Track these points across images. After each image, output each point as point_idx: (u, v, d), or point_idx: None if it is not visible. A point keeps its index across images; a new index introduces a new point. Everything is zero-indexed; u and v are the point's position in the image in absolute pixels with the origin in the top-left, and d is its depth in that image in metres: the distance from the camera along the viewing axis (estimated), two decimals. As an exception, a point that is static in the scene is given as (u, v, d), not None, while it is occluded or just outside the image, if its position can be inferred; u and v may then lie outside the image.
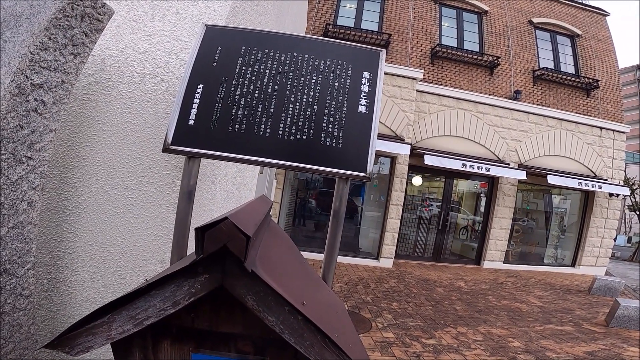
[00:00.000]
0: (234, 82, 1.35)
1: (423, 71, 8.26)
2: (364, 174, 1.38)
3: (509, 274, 8.25)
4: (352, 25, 8.83)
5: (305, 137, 1.35)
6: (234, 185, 2.20)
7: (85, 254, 1.44)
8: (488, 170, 8.12)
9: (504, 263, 9.01)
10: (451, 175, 8.87)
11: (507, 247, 9.05)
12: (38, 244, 1.37)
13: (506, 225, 8.94)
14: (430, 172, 9.08)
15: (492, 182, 9.10)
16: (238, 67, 1.37)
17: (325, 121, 1.38)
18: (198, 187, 1.48)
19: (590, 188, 8.87)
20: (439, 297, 5.57)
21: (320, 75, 1.42)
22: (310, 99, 1.39)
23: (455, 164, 7.95)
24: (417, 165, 8.10)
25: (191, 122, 1.29)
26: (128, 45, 1.55)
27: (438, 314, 4.71)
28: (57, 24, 1.10)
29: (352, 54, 1.48)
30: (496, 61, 9.08)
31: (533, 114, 9.17)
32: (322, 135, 1.36)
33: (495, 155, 8.87)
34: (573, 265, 9.73)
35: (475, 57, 9.07)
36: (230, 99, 1.33)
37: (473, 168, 8.07)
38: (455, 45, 9.25)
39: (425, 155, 7.78)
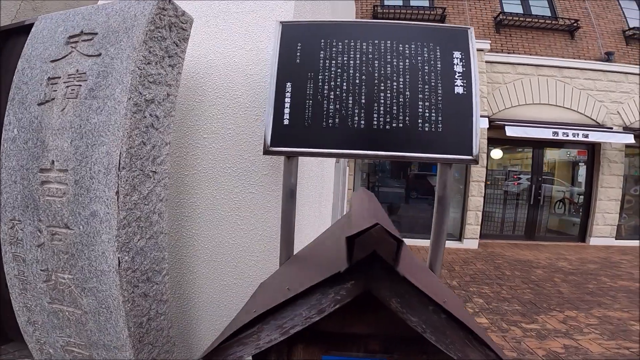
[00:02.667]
0: (320, 77, 1.35)
1: (489, 41, 7.56)
2: (470, 157, 1.30)
3: (623, 251, 7.19)
4: (401, 4, 8.37)
5: (401, 125, 1.30)
6: (317, 178, 2.23)
7: (204, 257, 1.58)
8: (586, 136, 7.13)
9: (616, 239, 7.89)
10: (539, 145, 7.99)
11: (619, 220, 7.89)
12: (168, 251, 1.52)
13: (615, 195, 7.79)
14: (511, 144, 8.29)
15: (593, 149, 7.99)
16: (322, 61, 1.36)
17: (420, 106, 1.31)
18: (277, 181, 1.52)
19: None
20: (538, 279, 5.08)
21: (407, 60, 1.35)
22: (401, 86, 1.33)
23: (543, 133, 7.14)
24: (496, 138, 7.48)
25: (286, 122, 1.32)
26: (209, 52, 1.63)
27: (539, 297, 4.30)
28: (152, 36, 1.14)
29: (436, 35, 1.39)
30: (575, 24, 8.13)
31: (632, 74, 7.96)
32: (420, 121, 1.30)
33: (592, 120, 7.78)
34: None
35: (548, 22, 8.18)
36: (320, 94, 1.33)
37: (567, 135, 7.16)
38: (522, 12, 8.36)
39: (506, 127, 7.12)
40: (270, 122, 1.31)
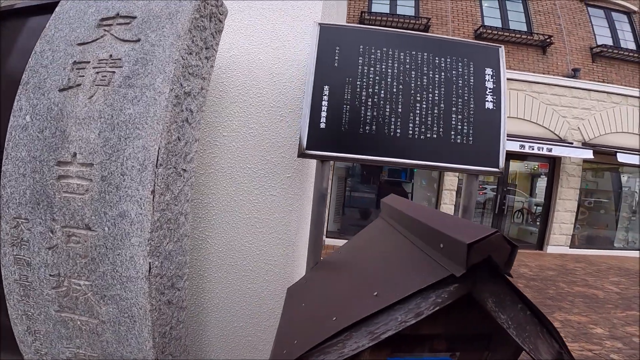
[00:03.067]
0: (358, 83, 1.33)
1: (468, 53, 7.88)
2: (497, 169, 1.33)
3: (577, 259, 7.78)
4: (388, 12, 8.57)
5: (435, 136, 1.31)
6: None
7: (216, 260, 1.51)
8: (550, 150, 7.64)
9: (570, 248, 8.51)
10: (506, 157, 8.43)
11: (573, 230, 8.52)
12: (189, 254, 1.43)
13: (571, 207, 8.42)
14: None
15: (554, 163, 8.57)
16: (360, 67, 1.35)
17: (454, 119, 1.33)
18: (301, 185, 1.49)
19: (665, 165, 8.09)
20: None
21: (442, 73, 1.37)
22: (437, 98, 1.34)
23: (511, 145, 7.55)
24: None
25: (322, 125, 1.29)
26: (233, 47, 1.55)
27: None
28: (196, 25, 1.06)
29: (470, 50, 1.42)
30: (548, 40, 8.60)
31: (595, 91, 8.58)
32: (452, 132, 1.32)
33: (555, 134, 8.33)
34: (647, 248, 8.97)
35: (524, 37, 8.63)
36: (358, 100, 1.32)
37: (533, 149, 7.64)
38: (500, 26, 8.80)
39: (479, 138, 7.44)
40: (307, 124, 1.28)
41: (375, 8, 8.71)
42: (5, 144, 1.11)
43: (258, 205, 1.51)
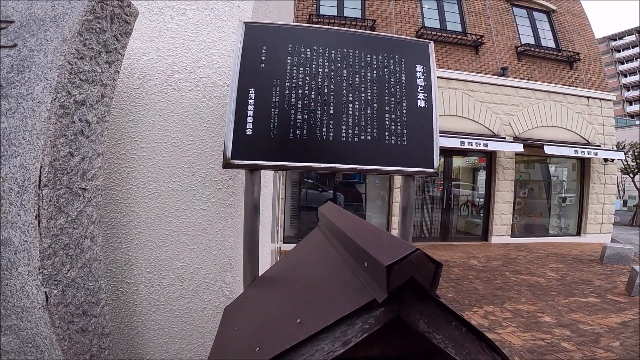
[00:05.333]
0: (287, 84, 1.26)
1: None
2: (431, 170, 1.32)
3: (518, 248, 8.35)
4: (335, 14, 8.71)
5: (369, 138, 1.27)
6: (269, 190, 2.10)
7: (145, 281, 1.35)
8: (486, 145, 8.16)
9: (511, 237, 9.14)
10: (449, 153, 8.90)
11: (512, 220, 9.17)
12: (104, 279, 1.27)
13: (509, 198, 9.05)
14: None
15: (490, 157, 9.17)
16: (289, 67, 1.27)
17: (387, 119, 1.30)
18: (233, 196, 1.40)
19: (586, 155, 9.01)
20: (456, 277, 5.60)
21: (374, 71, 1.33)
22: (369, 97, 1.30)
23: (453, 142, 7.96)
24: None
25: (249, 132, 1.19)
26: (151, 50, 1.42)
27: (460, 294, 4.74)
28: (90, 27, 0.95)
29: (401, 47, 1.40)
30: (480, 40, 9.17)
31: (521, 88, 9.31)
32: (387, 133, 1.29)
33: (490, 130, 8.93)
34: (578, 234, 9.87)
35: (459, 37, 9.12)
36: (287, 103, 1.24)
37: (471, 145, 8.11)
38: (439, 27, 9.25)
39: (422, 137, 7.76)
40: (231, 132, 1.17)
41: (323, 11, 8.82)
42: None
43: (187, 222, 1.37)
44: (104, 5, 0.98)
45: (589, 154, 8.97)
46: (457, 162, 9.76)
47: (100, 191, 1.06)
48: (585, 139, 9.60)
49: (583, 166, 9.90)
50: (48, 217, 0.84)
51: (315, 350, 0.58)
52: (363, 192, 8.80)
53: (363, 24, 8.50)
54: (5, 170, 0.83)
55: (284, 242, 7.33)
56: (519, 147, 8.51)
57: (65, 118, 0.89)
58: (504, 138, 8.87)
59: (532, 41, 9.91)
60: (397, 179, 7.83)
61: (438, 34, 8.90)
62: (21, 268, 0.86)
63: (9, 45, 0.88)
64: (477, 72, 9.10)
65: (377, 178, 8.56)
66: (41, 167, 0.82)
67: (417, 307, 0.58)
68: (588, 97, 9.80)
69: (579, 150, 8.89)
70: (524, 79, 9.43)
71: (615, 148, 10.04)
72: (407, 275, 0.52)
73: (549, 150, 8.63)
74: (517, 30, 9.96)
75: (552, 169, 10.38)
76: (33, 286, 0.86)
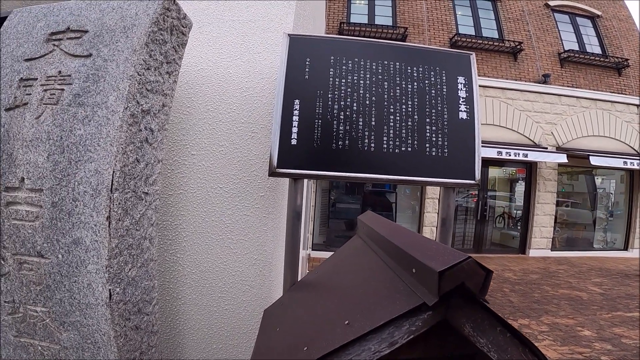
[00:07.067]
0: (329, 96, 1.30)
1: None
2: (473, 181, 1.31)
3: (559, 262, 7.92)
4: (366, 22, 8.72)
5: (410, 149, 1.28)
6: (306, 198, 2.15)
7: (190, 282, 1.43)
8: (526, 155, 7.83)
9: (552, 250, 8.67)
10: (485, 163, 8.60)
11: (553, 233, 8.70)
12: (157, 279, 1.36)
13: (550, 210, 8.60)
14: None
15: (530, 168, 8.78)
16: (331, 79, 1.32)
17: (428, 131, 1.31)
18: (274, 203, 1.44)
19: (635, 167, 8.43)
20: (490, 289, 5.39)
21: (415, 83, 1.35)
22: (410, 109, 1.32)
23: (490, 152, 7.71)
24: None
25: (294, 142, 1.24)
26: (201, 60, 1.50)
27: (494, 307, 4.54)
28: (154, 39, 1.01)
29: (442, 59, 1.41)
30: (519, 46, 8.83)
31: (565, 96, 8.85)
32: (427, 145, 1.30)
33: (530, 140, 8.55)
34: (625, 248, 9.22)
35: (496, 44, 8.82)
36: (330, 114, 1.28)
37: (509, 155, 7.80)
38: (474, 34, 9.01)
39: (457, 146, 7.57)
40: (277, 141, 1.23)
41: (354, 19, 8.84)
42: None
43: (231, 226, 1.44)
44: (165, 17, 1.05)
45: (638, 165, 8.36)
46: (494, 172, 9.41)
47: (158, 195, 1.14)
48: (635, 150, 8.97)
49: (632, 178, 9.24)
50: (117, 219, 0.93)
51: (362, 350, 0.60)
52: (393, 201, 8.69)
53: (394, 31, 8.44)
54: (81, 174, 0.92)
55: (312, 250, 7.37)
56: (563, 158, 8.08)
57: (134, 126, 0.97)
58: (546, 148, 8.46)
59: (576, 47, 9.44)
60: (429, 189, 7.68)
61: (473, 41, 8.69)
62: (90, 266, 0.93)
63: (85, 55, 0.98)
64: (515, 80, 8.76)
65: (408, 188, 8.42)
66: (113, 172, 0.90)
67: (464, 311, 0.60)
68: (638, 105, 9.17)
69: (628, 161, 8.33)
70: (568, 86, 8.98)
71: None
72: (457, 281, 0.54)
73: (595, 161, 8.15)
74: (560, 36, 9.53)
75: (598, 180, 9.76)
76: (99, 284, 0.93)
